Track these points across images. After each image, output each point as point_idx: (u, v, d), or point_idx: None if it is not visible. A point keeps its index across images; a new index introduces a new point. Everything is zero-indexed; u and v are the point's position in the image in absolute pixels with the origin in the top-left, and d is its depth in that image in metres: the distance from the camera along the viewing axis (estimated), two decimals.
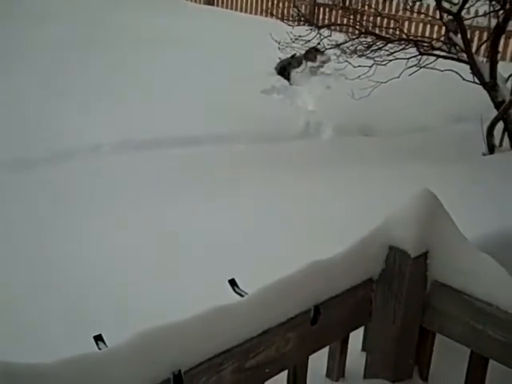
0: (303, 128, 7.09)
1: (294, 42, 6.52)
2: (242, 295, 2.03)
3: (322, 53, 8.30)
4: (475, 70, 5.93)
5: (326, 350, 2.20)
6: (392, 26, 7.93)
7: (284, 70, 8.63)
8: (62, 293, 3.36)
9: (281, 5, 13.40)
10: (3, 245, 3.93)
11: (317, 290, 1.95)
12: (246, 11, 14.97)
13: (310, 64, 8.62)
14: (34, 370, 1.31)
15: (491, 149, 5.90)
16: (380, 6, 10.44)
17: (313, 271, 1.96)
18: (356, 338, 2.30)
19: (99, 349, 1.74)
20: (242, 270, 2.40)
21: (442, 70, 6.03)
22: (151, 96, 7.53)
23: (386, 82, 6.12)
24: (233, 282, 2.15)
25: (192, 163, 5.66)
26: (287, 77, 8.60)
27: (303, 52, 7.74)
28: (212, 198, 4.65)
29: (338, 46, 6.46)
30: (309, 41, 6.40)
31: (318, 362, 2.20)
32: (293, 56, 8.36)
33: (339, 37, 6.73)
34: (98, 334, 1.80)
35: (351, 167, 5.32)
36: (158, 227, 4.15)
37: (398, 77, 6.04)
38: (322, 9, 13.19)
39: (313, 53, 8.45)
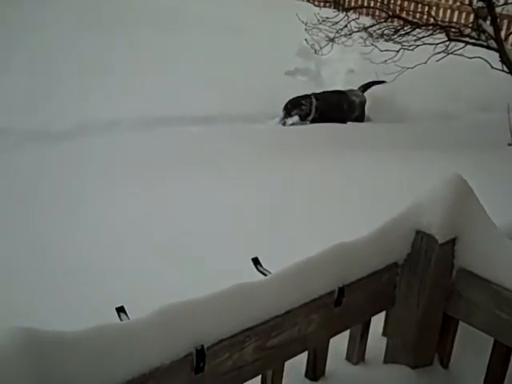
0: None
1: (320, 23, 6.44)
2: (265, 274, 2.01)
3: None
4: (504, 58, 5.83)
5: (346, 333, 2.18)
6: (420, 10, 7.81)
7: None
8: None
9: None
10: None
11: (341, 271, 1.92)
12: None
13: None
14: (59, 338, 1.30)
15: None
16: None
17: (338, 252, 1.93)
18: (377, 322, 2.27)
19: (121, 320, 1.74)
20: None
21: (471, 58, 5.93)
22: (171, 75, 7.51)
23: (412, 68, 6.05)
24: (256, 261, 2.13)
25: (209, 141, 5.64)
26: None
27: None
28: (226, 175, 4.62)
29: (365, 29, 6.38)
30: (336, 23, 6.32)
31: (339, 344, 2.19)
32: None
33: (366, 20, 6.65)
34: (120, 305, 1.79)
35: (379, 152, 5.25)
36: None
37: (425, 62, 5.96)
38: None
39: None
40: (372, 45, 6.34)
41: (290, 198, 4.25)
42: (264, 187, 4.40)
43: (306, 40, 6.73)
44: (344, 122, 6.69)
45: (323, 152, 5.28)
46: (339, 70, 8.58)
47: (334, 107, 6.84)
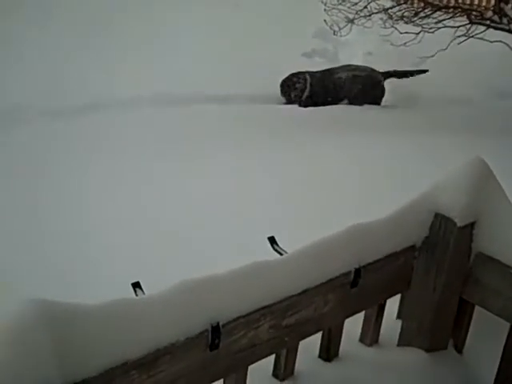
0: None
1: (340, 3, 6.36)
2: (281, 253, 2.00)
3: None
4: None
5: (360, 315, 2.18)
6: None
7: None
8: None
9: None
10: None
11: (359, 252, 1.91)
12: None
13: None
14: (75, 311, 1.30)
15: None
16: None
17: (355, 233, 1.92)
18: (391, 304, 2.26)
19: (136, 295, 1.74)
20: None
21: (492, 41, 5.85)
22: (187, 51, 7.47)
23: (433, 56, 5.97)
24: (272, 240, 2.12)
25: (226, 121, 5.63)
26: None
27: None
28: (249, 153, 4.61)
29: (385, 10, 6.29)
30: (356, 3, 6.24)
31: (353, 326, 2.18)
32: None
33: (386, 1, 6.55)
34: (136, 281, 1.79)
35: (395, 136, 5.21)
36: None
37: (445, 49, 5.89)
38: None
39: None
40: (392, 27, 6.26)
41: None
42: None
43: (325, 21, 6.65)
44: (330, 104, 6.51)
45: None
46: (357, 52, 8.48)
47: (325, 89, 6.72)
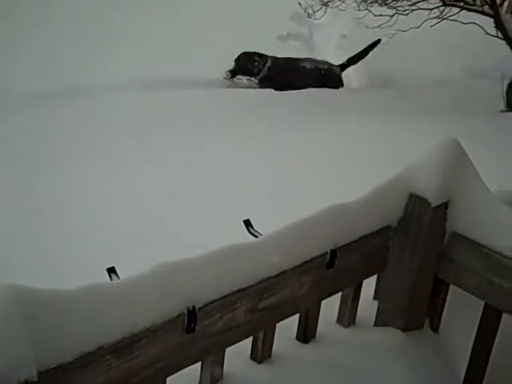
0: None
1: None
2: (256, 236, 2.00)
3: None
4: (499, 24, 5.78)
5: (337, 296, 2.18)
6: None
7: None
8: None
9: None
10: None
11: (335, 233, 1.92)
12: None
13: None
14: (48, 295, 1.29)
15: (510, 106, 5.80)
16: None
17: (331, 215, 1.92)
18: (368, 286, 2.27)
19: (111, 280, 1.73)
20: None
21: (465, 23, 5.88)
22: (162, 37, 7.40)
23: (405, 31, 5.98)
24: (248, 223, 2.12)
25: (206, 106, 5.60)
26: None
27: None
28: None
29: None
30: None
31: (330, 308, 2.19)
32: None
33: None
34: (111, 266, 1.78)
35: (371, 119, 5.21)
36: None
37: (418, 26, 5.90)
38: None
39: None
40: (366, 9, 6.25)
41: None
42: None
43: (299, 3, 6.64)
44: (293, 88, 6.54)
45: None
46: (332, 34, 8.47)
47: (286, 72, 6.79)
